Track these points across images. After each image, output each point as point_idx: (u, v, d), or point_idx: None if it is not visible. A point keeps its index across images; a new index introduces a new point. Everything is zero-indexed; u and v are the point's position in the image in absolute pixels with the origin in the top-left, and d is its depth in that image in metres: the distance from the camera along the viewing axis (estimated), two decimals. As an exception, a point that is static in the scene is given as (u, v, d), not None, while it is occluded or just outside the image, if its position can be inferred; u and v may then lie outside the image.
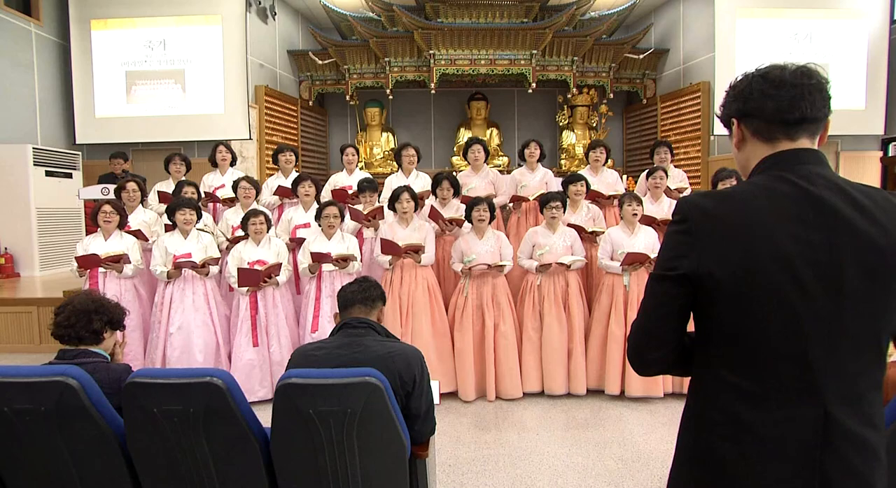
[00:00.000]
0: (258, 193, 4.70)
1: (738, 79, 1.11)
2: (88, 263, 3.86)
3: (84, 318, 1.89)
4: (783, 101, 1.03)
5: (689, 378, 1.14)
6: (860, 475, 0.96)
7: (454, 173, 4.70)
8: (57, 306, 1.96)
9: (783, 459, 0.97)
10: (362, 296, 2.05)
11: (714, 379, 1.04)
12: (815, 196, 0.97)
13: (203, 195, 4.85)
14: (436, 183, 4.42)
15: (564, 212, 4.13)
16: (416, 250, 3.87)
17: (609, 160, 5.78)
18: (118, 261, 3.92)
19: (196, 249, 3.96)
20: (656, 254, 4.27)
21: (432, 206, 4.30)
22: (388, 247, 3.85)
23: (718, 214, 1.00)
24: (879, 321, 0.98)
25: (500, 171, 5.69)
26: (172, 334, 3.84)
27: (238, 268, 3.81)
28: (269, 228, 4.08)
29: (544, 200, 4.07)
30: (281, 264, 3.97)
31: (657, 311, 1.09)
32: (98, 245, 3.98)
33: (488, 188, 4.85)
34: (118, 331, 2.02)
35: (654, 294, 1.09)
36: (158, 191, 4.87)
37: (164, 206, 4.80)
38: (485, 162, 4.93)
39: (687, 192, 4.69)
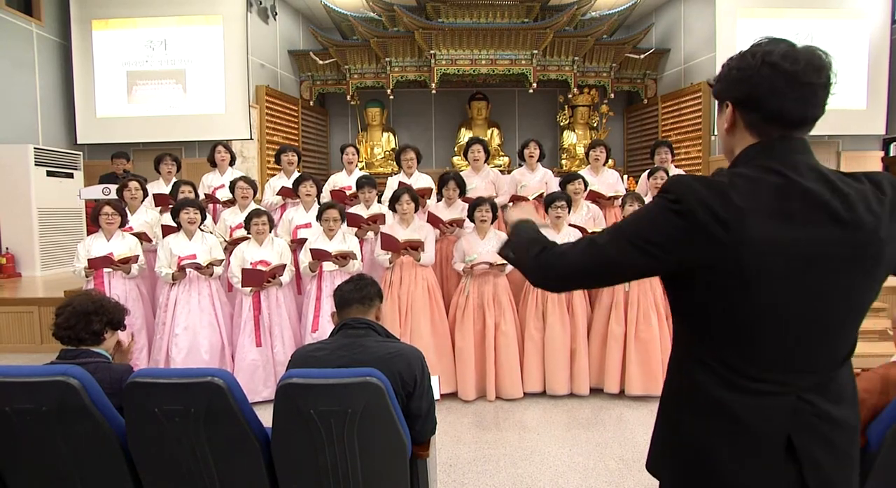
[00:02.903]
0: (255, 193, 4.69)
1: (743, 58, 1.03)
2: (101, 264, 3.86)
3: (83, 320, 1.89)
4: (788, 100, 0.99)
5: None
6: (838, 447, 1.02)
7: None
8: (57, 307, 1.96)
9: (765, 440, 1.00)
10: (359, 295, 2.02)
11: (698, 362, 1.06)
12: (806, 189, 0.97)
13: (203, 196, 4.84)
14: (442, 182, 4.42)
15: (569, 212, 4.12)
16: (416, 247, 3.87)
17: (610, 160, 5.77)
18: (127, 262, 3.93)
19: (201, 250, 3.96)
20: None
21: (430, 212, 4.29)
22: (388, 241, 3.85)
23: (717, 206, 0.96)
24: (863, 306, 1.03)
25: (500, 171, 5.68)
26: (178, 335, 3.83)
27: (242, 269, 3.82)
28: (271, 229, 4.08)
29: (549, 200, 4.05)
30: (285, 265, 3.97)
31: (611, 268, 1.07)
32: (100, 245, 3.98)
33: (489, 188, 4.84)
34: (119, 331, 2.02)
35: (621, 252, 1.04)
36: (154, 194, 4.79)
37: (158, 209, 4.78)
38: (485, 162, 4.93)
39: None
